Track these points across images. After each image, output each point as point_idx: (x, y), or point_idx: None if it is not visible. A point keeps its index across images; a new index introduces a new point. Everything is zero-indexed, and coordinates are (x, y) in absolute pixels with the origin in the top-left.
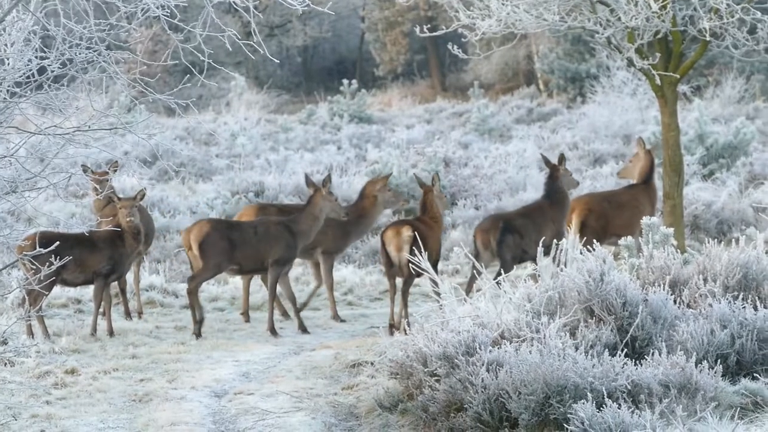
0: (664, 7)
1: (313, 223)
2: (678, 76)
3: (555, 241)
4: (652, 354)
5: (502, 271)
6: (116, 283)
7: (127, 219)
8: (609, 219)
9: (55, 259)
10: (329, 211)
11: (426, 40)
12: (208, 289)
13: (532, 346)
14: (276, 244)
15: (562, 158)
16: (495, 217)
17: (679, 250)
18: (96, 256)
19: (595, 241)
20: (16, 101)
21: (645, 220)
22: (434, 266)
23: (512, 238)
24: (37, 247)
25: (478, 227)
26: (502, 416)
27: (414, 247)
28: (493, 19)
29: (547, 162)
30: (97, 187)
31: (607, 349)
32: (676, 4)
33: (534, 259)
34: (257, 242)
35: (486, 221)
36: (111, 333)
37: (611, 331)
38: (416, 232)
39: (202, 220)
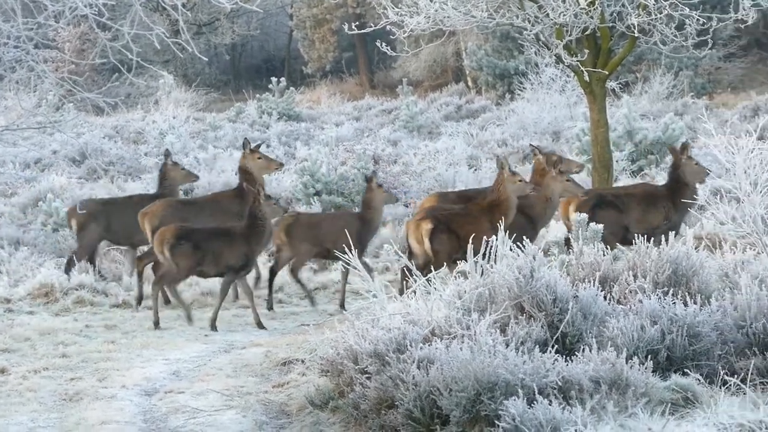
0: (592, 3)
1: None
2: (606, 73)
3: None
4: (583, 350)
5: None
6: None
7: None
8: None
9: (195, 252)
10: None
11: (354, 37)
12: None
13: (462, 343)
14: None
15: (684, 147)
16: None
17: (609, 246)
18: (233, 251)
19: None
20: None
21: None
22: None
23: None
24: (177, 239)
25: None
26: (433, 413)
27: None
28: (422, 16)
29: (672, 151)
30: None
31: (537, 346)
32: (605, 0)
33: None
34: None
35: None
36: (260, 325)
37: (542, 327)
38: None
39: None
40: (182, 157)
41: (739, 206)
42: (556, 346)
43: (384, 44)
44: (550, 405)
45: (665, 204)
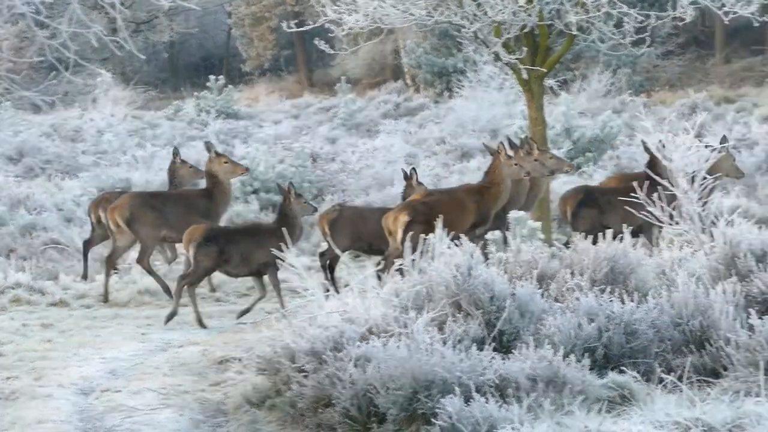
0: (530, 1)
1: None
2: (545, 70)
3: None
4: (520, 348)
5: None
6: None
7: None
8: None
9: (222, 252)
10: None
11: (293, 35)
12: (76, 286)
13: (400, 341)
14: None
15: (724, 139)
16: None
17: (546, 244)
18: (264, 249)
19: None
20: None
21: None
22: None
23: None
24: (205, 239)
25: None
26: (370, 411)
27: None
28: (360, 14)
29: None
30: None
31: (474, 344)
32: None
33: None
34: None
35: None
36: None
37: (479, 325)
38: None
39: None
40: (120, 155)
41: (676, 204)
42: (493, 344)
43: (323, 42)
44: (486, 403)
45: None
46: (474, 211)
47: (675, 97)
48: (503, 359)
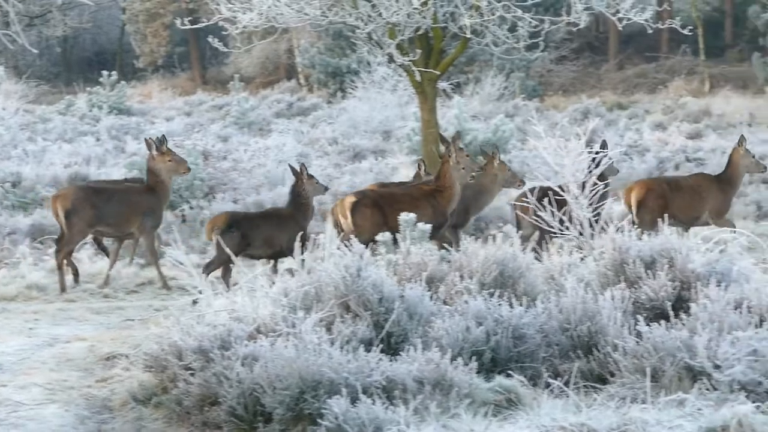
0: (425, 3)
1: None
2: (438, 73)
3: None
4: (408, 350)
5: None
6: None
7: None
8: (668, 200)
9: (242, 240)
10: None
11: (187, 32)
12: None
13: (288, 341)
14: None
15: (741, 140)
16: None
17: (436, 247)
18: (284, 232)
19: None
20: None
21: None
22: None
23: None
24: (227, 226)
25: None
26: (256, 410)
27: None
28: (255, 13)
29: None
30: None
31: (362, 345)
32: (438, 0)
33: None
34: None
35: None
36: None
37: (367, 326)
38: None
39: (640, 181)
40: (11, 149)
41: (566, 209)
42: (381, 345)
43: (216, 40)
44: (373, 404)
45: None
46: (429, 211)
47: (568, 102)
48: (391, 361)
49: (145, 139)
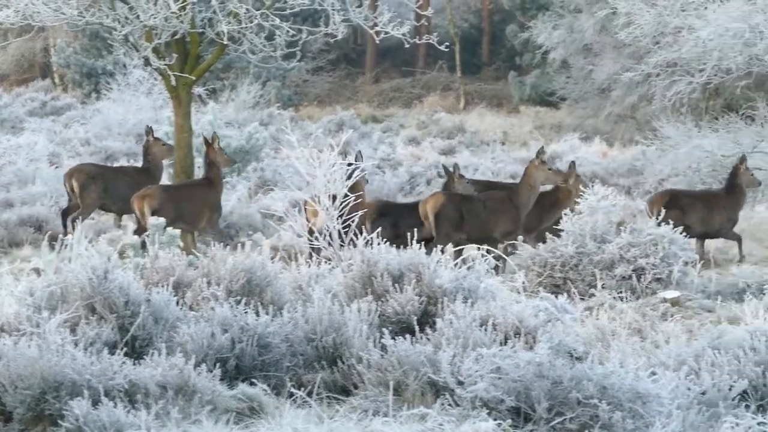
0: (183, 8)
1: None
2: (194, 78)
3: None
4: (152, 354)
5: None
6: None
7: None
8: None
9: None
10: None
11: None
12: None
13: (31, 340)
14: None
15: (743, 159)
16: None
17: (184, 252)
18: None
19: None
20: None
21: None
22: None
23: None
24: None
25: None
26: None
27: None
28: (11, 10)
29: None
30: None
31: (107, 347)
32: (196, 5)
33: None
34: (486, 215)
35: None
36: None
37: (112, 329)
38: None
39: (436, 193)
40: None
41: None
42: (125, 349)
43: None
44: (115, 407)
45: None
46: None
47: (323, 113)
48: (134, 365)
49: (148, 126)
